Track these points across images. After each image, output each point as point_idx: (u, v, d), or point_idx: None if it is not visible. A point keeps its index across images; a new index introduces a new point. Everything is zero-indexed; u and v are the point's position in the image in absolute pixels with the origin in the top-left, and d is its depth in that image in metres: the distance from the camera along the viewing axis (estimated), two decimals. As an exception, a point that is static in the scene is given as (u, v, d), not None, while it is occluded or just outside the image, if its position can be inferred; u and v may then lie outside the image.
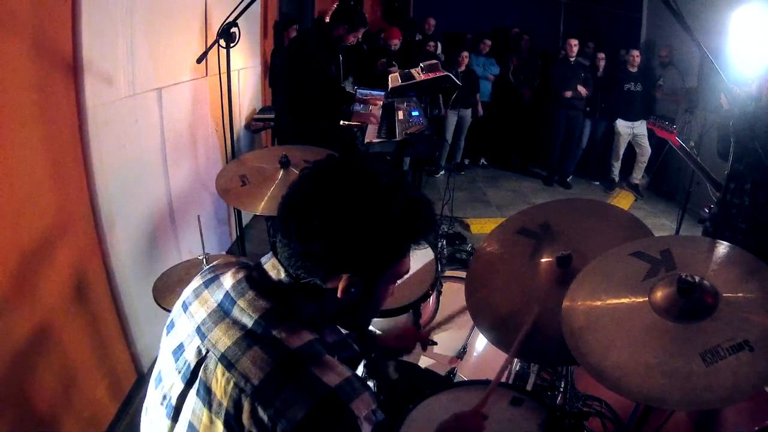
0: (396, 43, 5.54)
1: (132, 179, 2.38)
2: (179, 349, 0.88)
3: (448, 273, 2.36)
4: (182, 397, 0.85)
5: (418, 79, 3.16)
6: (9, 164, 1.64)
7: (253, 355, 0.79)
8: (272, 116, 4.42)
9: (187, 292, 0.95)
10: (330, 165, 0.86)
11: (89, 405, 2.07)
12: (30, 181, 1.76)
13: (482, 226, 4.75)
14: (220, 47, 2.38)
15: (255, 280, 0.87)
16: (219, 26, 2.35)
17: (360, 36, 3.36)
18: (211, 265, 0.98)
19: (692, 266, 1.17)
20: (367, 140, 3.21)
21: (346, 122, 3.46)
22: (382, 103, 3.71)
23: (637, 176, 5.86)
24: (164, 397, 0.88)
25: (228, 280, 0.88)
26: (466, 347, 1.95)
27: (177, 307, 0.95)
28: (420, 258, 2.00)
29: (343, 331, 0.97)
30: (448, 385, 1.55)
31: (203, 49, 2.49)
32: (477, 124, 6.21)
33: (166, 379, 0.90)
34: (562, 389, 1.65)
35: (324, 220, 0.79)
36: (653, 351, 1.05)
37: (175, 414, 0.86)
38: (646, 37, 6.60)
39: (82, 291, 2.05)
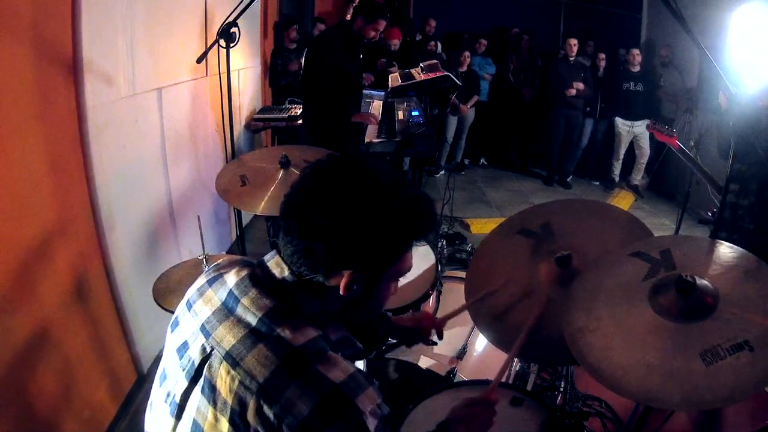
0: (396, 43, 5.54)
1: (132, 179, 2.38)
2: (183, 347, 0.89)
3: (448, 273, 2.36)
4: (186, 395, 0.85)
5: (418, 79, 3.16)
6: (9, 164, 1.64)
7: (257, 353, 0.79)
8: (272, 116, 4.43)
9: (192, 290, 0.95)
10: (331, 164, 0.86)
11: (89, 405, 2.07)
12: (30, 180, 1.76)
13: (482, 226, 4.75)
14: (220, 47, 2.38)
15: (258, 277, 0.87)
16: (219, 26, 2.35)
17: (381, 29, 3.28)
18: (214, 264, 0.99)
19: (692, 266, 1.17)
20: (367, 140, 3.22)
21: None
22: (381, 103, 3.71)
23: (637, 176, 5.87)
24: (168, 395, 0.89)
25: (231, 279, 0.89)
26: (466, 347, 1.95)
27: (182, 305, 0.95)
28: (420, 258, 2.01)
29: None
30: (448, 385, 1.55)
31: (203, 49, 2.49)
32: (477, 124, 6.21)
33: (170, 377, 0.90)
34: (562, 389, 1.65)
35: (325, 217, 0.80)
36: (653, 351, 1.04)
37: (179, 412, 0.86)
38: (646, 37, 6.59)
39: (82, 291, 2.05)
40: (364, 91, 3.97)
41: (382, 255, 0.85)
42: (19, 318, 1.69)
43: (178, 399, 0.86)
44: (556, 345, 1.20)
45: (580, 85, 5.58)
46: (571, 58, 5.69)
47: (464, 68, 5.74)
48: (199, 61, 2.43)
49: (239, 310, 0.84)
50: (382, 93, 3.92)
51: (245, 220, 3.85)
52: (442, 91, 3.71)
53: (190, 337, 0.88)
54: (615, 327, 1.13)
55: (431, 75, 3.15)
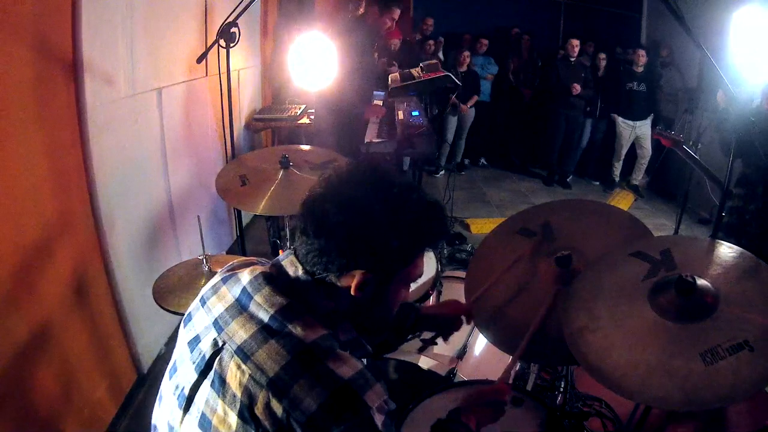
0: (396, 42, 5.53)
1: (132, 179, 2.38)
2: (195, 341, 0.91)
3: (448, 273, 2.36)
4: (195, 388, 0.87)
5: (418, 79, 3.15)
6: (9, 164, 1.64)
7: (268, 348, 0.81)
8: (272, 116, 4.43)
9: (206, 288, 0.97)
10: (349, 169, 0.90)
11: (89, 405, 2.07)
12: (30, 180, 1.76)
13: (482, 226, 4.75)
14: (220, 47, 2.38)
15: (272, 276, 0.90)
16: (219, 26, 2.35)
17: (396, 18, 3.27)
18: (229, 264, 1.01)
19: (692, 266, 1.17)
20: (367, 140, 3.22)
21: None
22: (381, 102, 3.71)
23: (637, 176, 5.86)
24: (177, 387, 0.90)
25: (245, 277, 0.91)
26: (466, 347, 1.95)
27: (195, 301, 0.97)
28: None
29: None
30: (448, 385, 1.55)
31: (203, 49, 2.49)
32: (477, 124, 6.21)
33: (180, 370, 0.92)
34: (562, 389, 1.65)
35: (340, 216, 0.82)
36: (653, 351, 1.05)
37: (187, 404, 0.87)
38: (646, 37, 6.59)
39: (82, 291, 2.05)
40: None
41: (394, 257, 0.87)
42: (19, 318, 1.69)
43: (186, 391, 0.87)
44: (556, 345, 1.20)
45: (577, 87, 5.57)
46: (572, 59, 5.69)
47: (464, 68, 5.74)
48: (199, 61, 2.43)
49: (252, 307, 0.86)
50: (382, 93, 3.92)
51: (245, 220, 3.85)
52: (442, 91, 3.71)
53: (203, 331, 0.90)
54: (615, 327, 1.13)
55: (431, 75, 3.14)
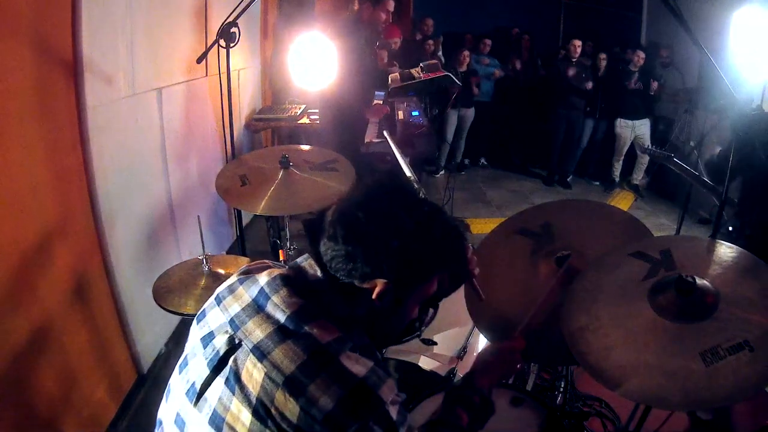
0: (396, 41, 5.53)
1: (132, 179, 2.38)
2: (209, 337, 0.92)
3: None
4: (207, 384, 0.88)
5: (418, 79, 3.16)
6: (9, 164, 1.64)
7: (285, 348, 0.83)
8: (272, 116, 4.43)
9: (222, 287, 0.99)
10: (380, 183, 0.93)
11: (89, 404, 2.07)
12: (30, 180, 1.76)
13: (482, 226, 4.74)
14: (220, 47, 2.38)
15: (290, 278, 0.92)
16: (219, 26, 2.35)
17: (391, 9, 3.27)
18: (245, 266, 1.03)
19: (692, 266, 1.17)
20: (367, 140, 3.22)
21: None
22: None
23: (637, 176, 5.86)
24: (187, 382, 0.91)
25: (263, 278, 0.93)
26: (466, 347, 1.95)
27: (210, 300, 0.99)
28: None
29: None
30: (448, 385, 1.55)
31: (203, 49, 2.49)
32: (477, 124, 6.20)
33: (191, 365, 0.92)
34: (562, 389, 1.65)
35: (371, 225, 0.85)
36: (653, 351, 1.05)
37: (197, 400, 0.88)
38: (646, 38, 6.59)
39: (82, 291, 2.05)
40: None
41: (416, 272, 0.90)
42: (19, 318, 1.69)
43: (198, 386, 0.88)
44: (556, 345, 1.20)
45: (589, 84, 5.56)
46: (573, 59, 5.69)
47: (464, 68, 5.74)
48: (199, 61, 2.43)
49: (269, 307, 0.88)
50: (382, 93, 3.92)
51: (245, 220, 3.85)
52: (442, 91, 3.71)
53: (217, 328, 0.92)
54: (615, 327, 1.13)
55: (431, 75, 3.14)
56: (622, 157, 5.85)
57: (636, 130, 5.62)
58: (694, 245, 1.31)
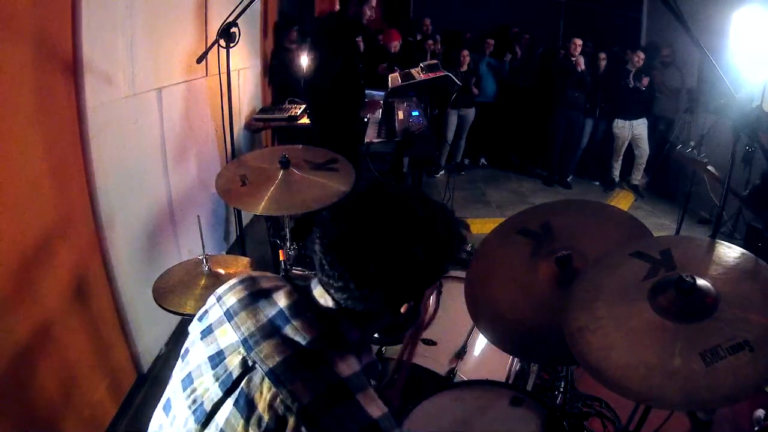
0: (395, 45, 5.52)
1: (132, 179, 2.38)
2: (219, 356, 0.89)
3: (448, 273, 2.36)
4: (218, 405, 0.86)
5: (418, 79, 3.15)
6: (9, 164, 1.64)
7: (303, 376, 0.82)
8: (272, 116, 4.42)
9: (230, 298, 0.95)
10: (374, 200, 0.88)
11: (89, 405, 2.07)
12: (30, 180, 1.76)
13: (482, 226, 4.74)
14: (220, 47, 2.38)
15: (308, 305, 0.91)
16: (219, 26, 2.35)
17: (374, 4, 3.25)
18: (249, 275, 0.99)
19: (692, 266, 1.17)
20: (367, 140, 3.21)
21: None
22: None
23: (637, 176, 5.86)
24: (194, 401, 0.88)
25: (282, 300, 0.91)
26: (466, 347, 1.95)
27: (216, 314, 0.95)
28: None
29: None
30: (448, 385, 1.55)
31: (203, 49, 2.50)
32: (477, 124, 6.21)
33: (198, 383, 0.89)
34: (562, 389, 1.65)
35: (383, 269, 0.83)
36: (653, 351, 1.05)
37: (207, 420, 0.86)
38: (646, 37, 6.59)
39: (82, 291, 2.05)
40: (366, 91, 3.96)
41: (431, 282, 0.93)
42: (19, 318, 1.69)
43: (207, 407, 0.86)
44: (556, 345, 1.20)
45: (581, 63, 5.54)
46: (573, 59, 5.69)
47: (464, 68, 5.74)
48: (199, 61, 2.43)
49: (288, 331, 0.87)
50: (382, 93, 3.91)
51: (245, 220, 3.85)
52: (442, 91, 3.70)
53: (228, 347, 0.89)
54: (615, 327, 1.13)
55: (431, 75, 3.14)
56: (621, 157, 5.85)
57: (633, 129, 5.62)
58: (694, 245, 1.31)
